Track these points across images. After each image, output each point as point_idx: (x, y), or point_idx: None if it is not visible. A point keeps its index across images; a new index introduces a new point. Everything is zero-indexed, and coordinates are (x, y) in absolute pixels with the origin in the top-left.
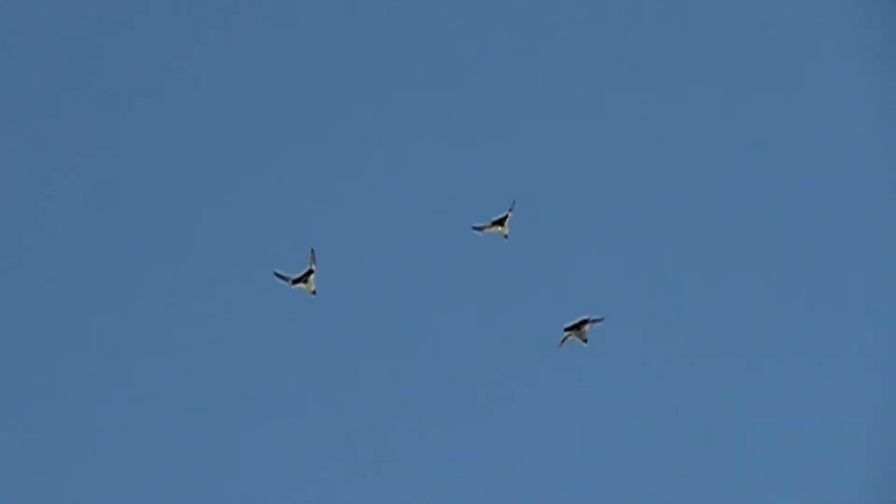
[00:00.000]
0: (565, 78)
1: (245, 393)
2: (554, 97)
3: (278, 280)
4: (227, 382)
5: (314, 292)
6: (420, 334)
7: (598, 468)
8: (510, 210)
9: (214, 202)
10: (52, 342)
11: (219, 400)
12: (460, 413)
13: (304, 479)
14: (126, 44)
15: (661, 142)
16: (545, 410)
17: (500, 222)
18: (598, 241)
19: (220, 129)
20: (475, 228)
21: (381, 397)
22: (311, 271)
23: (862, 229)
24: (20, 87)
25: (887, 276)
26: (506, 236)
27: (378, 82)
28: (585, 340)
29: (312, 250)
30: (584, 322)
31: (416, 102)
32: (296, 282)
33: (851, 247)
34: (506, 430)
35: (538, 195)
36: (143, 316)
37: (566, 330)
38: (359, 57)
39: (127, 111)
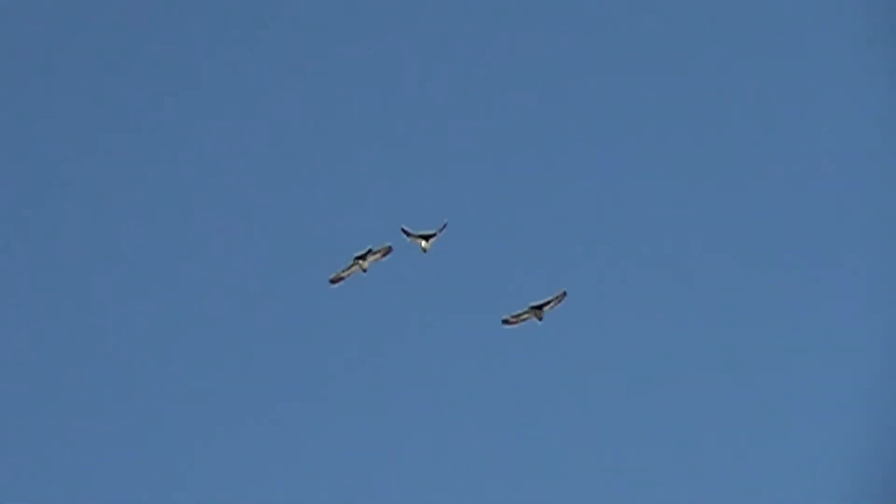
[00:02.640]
0: (560, 76)
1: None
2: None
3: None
4: (222, 382)
5: (365, 270)
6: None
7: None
8: (439, 230)
9: (214, 203)
10: (55, 342)
11: (215, 400)
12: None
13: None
14: (129, 45)
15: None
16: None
17: (426, 237)
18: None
19: (222, 131)
20: (405, 232)
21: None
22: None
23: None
24: (22, 89)
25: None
26: (425, 250)
27: (379, 85)
28: (541, 319)
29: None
30: (549, 303)
31: (417, 103)
32: (359, 258)
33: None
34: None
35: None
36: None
37: (532, 308)
38: (359, 60)
39: (130, 114)
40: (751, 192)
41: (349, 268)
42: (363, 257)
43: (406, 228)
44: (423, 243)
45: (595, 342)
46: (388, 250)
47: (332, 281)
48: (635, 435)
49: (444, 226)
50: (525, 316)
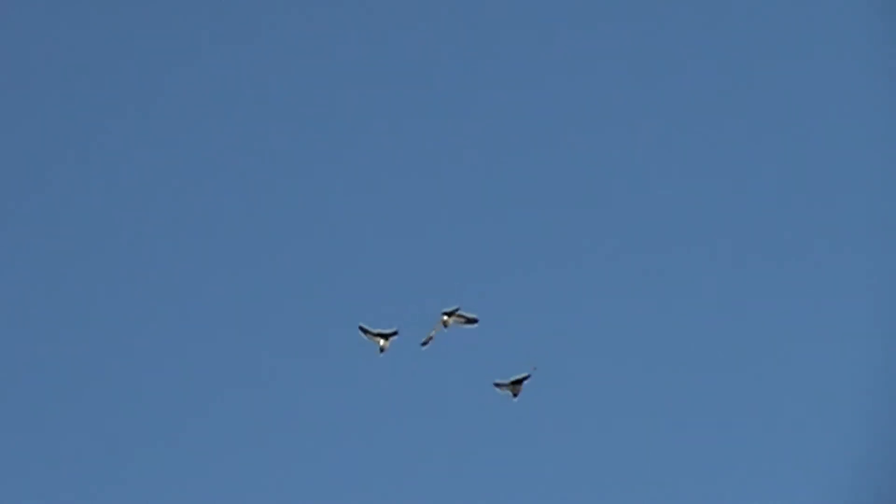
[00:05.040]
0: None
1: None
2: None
3: (363, 334)
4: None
5: (382, 350)
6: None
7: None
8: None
9: (213, 205)
10: (56, 342)
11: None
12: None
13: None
14: (130, 46)
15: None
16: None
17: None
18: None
19: (220, 133)
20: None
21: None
22: (395, 333)
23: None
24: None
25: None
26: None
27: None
28: (516, 395)
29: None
30: (525, 379)
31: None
32: (378, 336)
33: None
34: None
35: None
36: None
37: (512, 383)
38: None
39: (132, 116)
40: (750, 190)
41: (378, 336)
42: (387, 337)
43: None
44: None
45: (596, 343)
46: (394, 334)
47: (363, 330)
48: (637, 434)
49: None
50: (505, 388)
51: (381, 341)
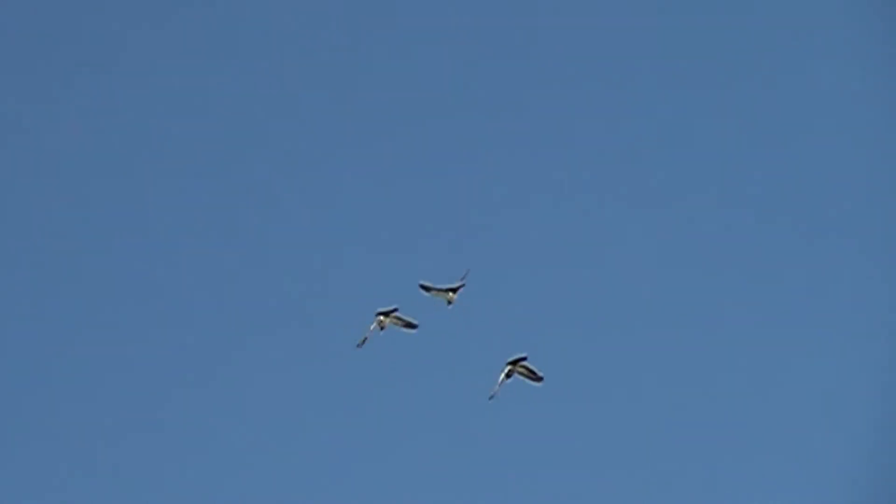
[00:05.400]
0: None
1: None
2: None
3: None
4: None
5: (382, 327)
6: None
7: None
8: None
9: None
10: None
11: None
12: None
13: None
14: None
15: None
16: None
17: (453, 290)
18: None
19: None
20: (422, 287)
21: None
22: (395, 310)
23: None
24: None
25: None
26: (450, 303)
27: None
28: (510, 377)
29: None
30: (523, 360)
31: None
32: (377, 319)
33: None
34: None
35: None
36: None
37: (508, 364)
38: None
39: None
40: (750, 187)
41: (371, 327)
42: (386, 314)
43: (425, 283)
44: (451, 295)
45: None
46: (413, 325)
47: (359, 345)
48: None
49: (467, 272)
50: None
51: (382, 318)
